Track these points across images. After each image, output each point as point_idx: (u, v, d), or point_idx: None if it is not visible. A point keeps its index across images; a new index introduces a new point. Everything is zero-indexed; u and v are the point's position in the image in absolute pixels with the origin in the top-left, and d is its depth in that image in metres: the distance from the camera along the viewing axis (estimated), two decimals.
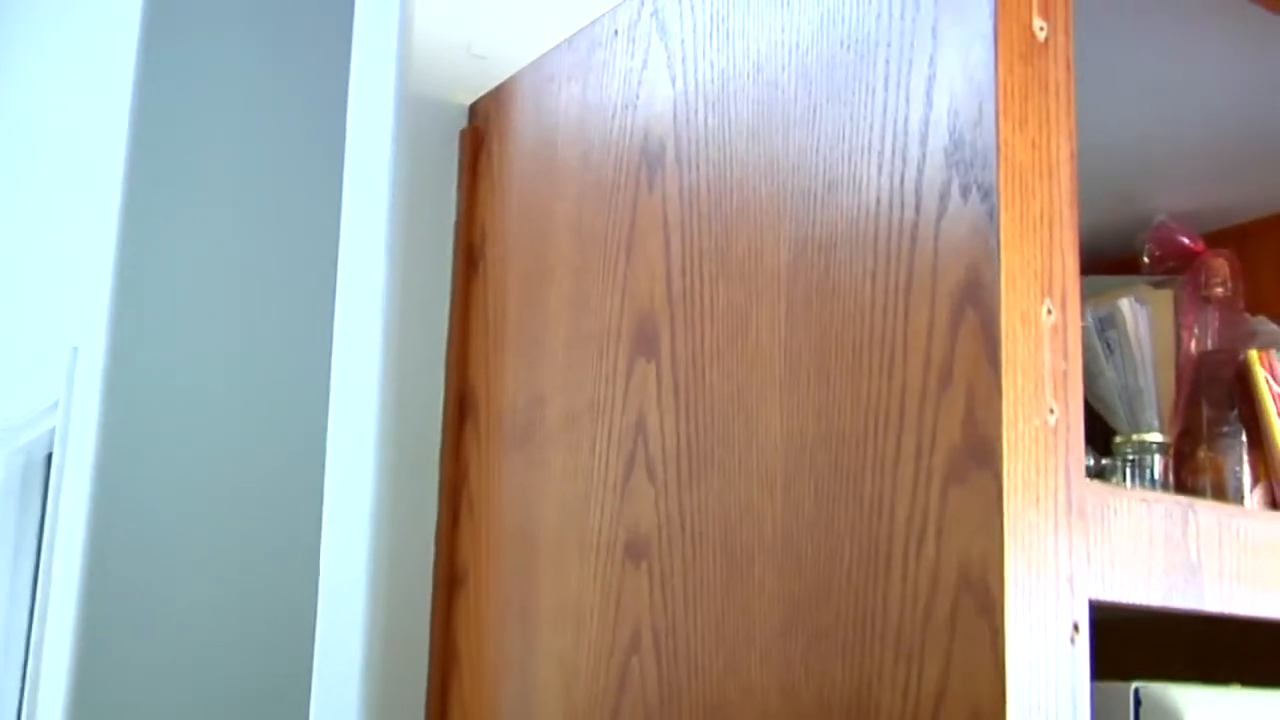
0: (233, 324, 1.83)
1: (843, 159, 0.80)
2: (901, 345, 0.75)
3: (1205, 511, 0.76)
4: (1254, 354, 1.12)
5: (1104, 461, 1.12)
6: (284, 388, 1.75)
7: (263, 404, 1.79)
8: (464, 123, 1.18)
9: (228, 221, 1.83)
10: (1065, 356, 0.72)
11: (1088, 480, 0.72)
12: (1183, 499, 0.76)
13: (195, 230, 1.83)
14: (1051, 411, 0.71)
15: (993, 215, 0.71)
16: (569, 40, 1.06)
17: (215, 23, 1.79)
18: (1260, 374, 1.12)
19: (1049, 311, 0.72)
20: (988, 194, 0.71)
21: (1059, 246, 0.73)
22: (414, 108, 1.17)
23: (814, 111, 0.83)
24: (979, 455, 0.69)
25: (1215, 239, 1.21)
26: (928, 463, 0.72)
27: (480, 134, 1.16)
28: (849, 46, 0.81)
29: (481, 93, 1.17)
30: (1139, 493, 0.79)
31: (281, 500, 1.74)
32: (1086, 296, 1.22)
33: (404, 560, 1.11)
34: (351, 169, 1.22)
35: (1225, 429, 1.14)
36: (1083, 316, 1.21)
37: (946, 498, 0.71)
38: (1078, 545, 0.71)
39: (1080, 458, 0.72)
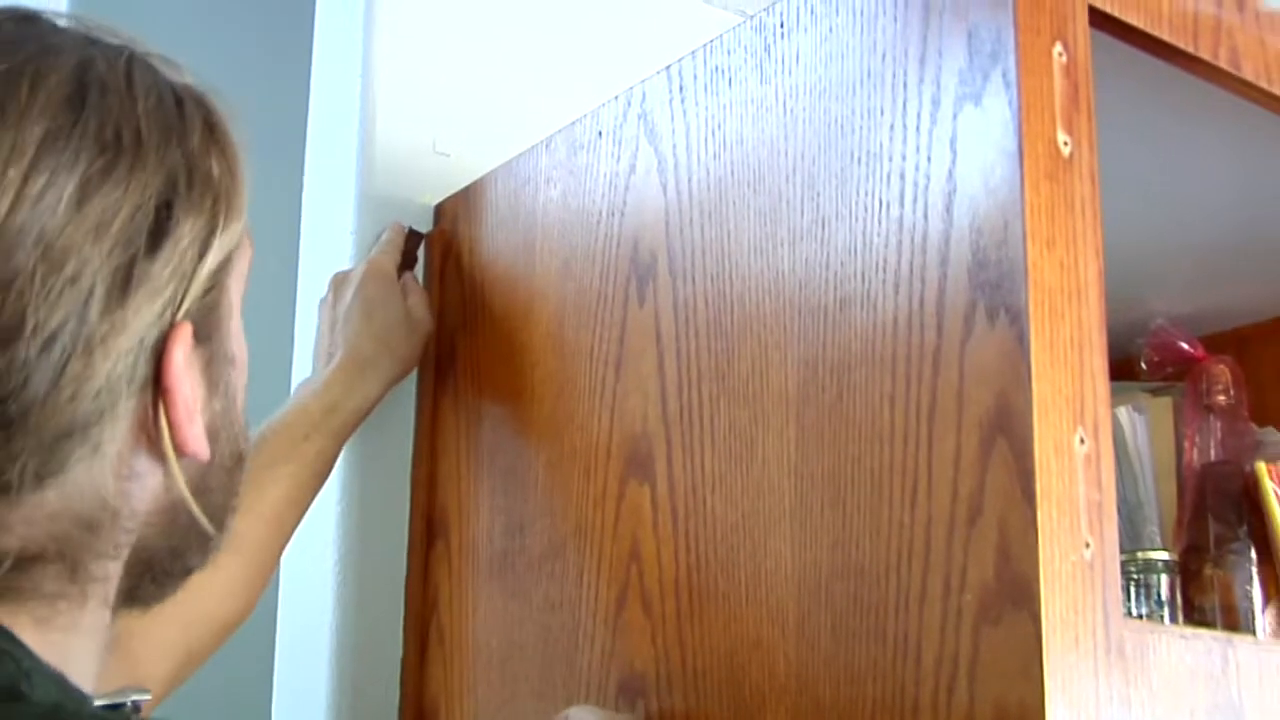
0: None
1: (855, 275, 0.81)
2: (926, 475, 0.74)
3: (1245, 648, 0.76)
4: (1262, 466, 1.13)
5: None
6: None
7: None
8: (429, 224, 1.17)
9: None
10: (1099, 488, 0.72)
11: (1126, 618, 0.72)
12: (1220, 635, 0.77)
13: None
14: (1088, 546, 0.71)
15: (1023, 339, 0.71)
16: (546, 142, 1.06)
17: None
18: (1270, 487, 1.13)
19: (1082, 440, 0.72)
20: (1017, 317, 0.72)
21: (1090, 372, 0.73)
22: (375, 207, 1.16)
23: (822, 225, 0.83)
24: (1014, 594, 0.69)
25: (1214, 342, 1.23)
26: (957, 602, 0.71)
27: (449, 238, 1.15)
28: (859, 159, 0.82)
29: (447, 193, 1.17)
30: (1177, 629, 0.79)
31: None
32: None
33: (368, 693, 1.08)
34: (306, 272, 1.20)
35: (1234, 545, 1.15)
36: None
37: (979, 639, 0.70)
38: (1118, 688, 0.70)
39: (1117, 594, 0.72)
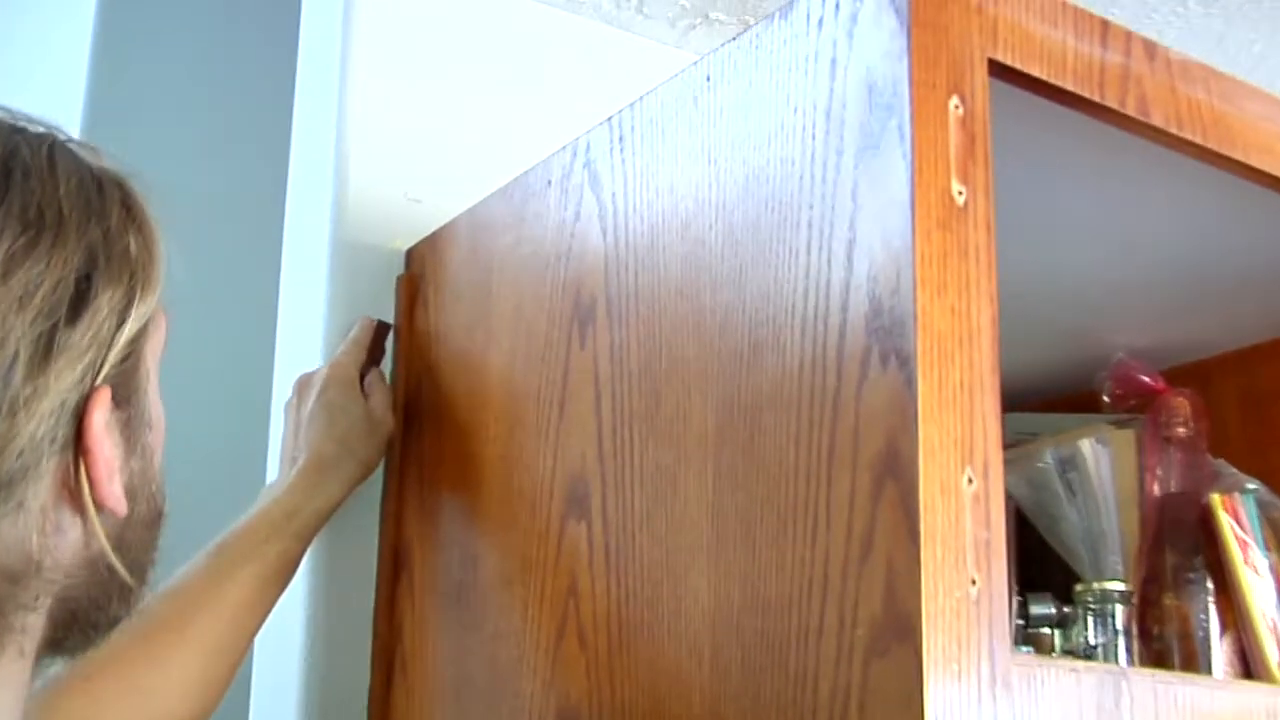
0: None
1: (768, 321, 0.85)
2: (825, 513, 0.78)
3: (1139, 680, 0.79)
4: (1217, 498, 1.16)
5: (1065, 610, 1.15)
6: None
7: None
8: (400, 268, 1.23)
9: None
10: (988, 525, 0.76)
11: (1015, 651, 0.75)
12: (1115, 667, 0.80)
13: None
14: (974, 583, 0.74)
15: (911, 384, 0.75)
16: (504, 189, 1.11)
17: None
18: (1224, 519, 1.16)
19: (970, 480, 0.76)
20: (905, 362, 0.76)
21: (980, 414, 0.77)
22: (349, 253, 1.22)
23: (740, 272, 0.87)
24: (899, 629, 0.73)
25: (1176, 375, 1.25)
26: (850, 636, 0.75)
27: (416, 282, 1.21)
28: (773, 208, 0.86)
29: (418, 238, 1.22)
30: (1067, 662, 0.82)
31: None
32: (1047, 435, 1.27)
33: None
34: (287, 314, 1.26)
35: (1191, 575, 1.17)
36: (1042, 458, 1.25)
37: (869, 672, 0.74)
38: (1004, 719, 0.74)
39: (1004, 628, 0.75)
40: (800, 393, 0.81)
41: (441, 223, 1.20)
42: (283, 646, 1.17)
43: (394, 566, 1.17)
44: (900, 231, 0.77)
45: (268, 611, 1.02)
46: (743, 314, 0.87)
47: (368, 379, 1.17)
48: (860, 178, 0.80)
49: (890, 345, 0.77)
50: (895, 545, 0.74)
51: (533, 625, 0.99)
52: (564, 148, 1.05)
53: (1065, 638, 1.11)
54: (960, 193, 0.79)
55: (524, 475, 1.03)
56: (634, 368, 0.94)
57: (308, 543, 1.06)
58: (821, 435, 0.80)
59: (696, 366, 0.89)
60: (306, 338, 1.22)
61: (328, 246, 1.21)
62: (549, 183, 1.06)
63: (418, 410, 1.17)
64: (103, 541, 0.66)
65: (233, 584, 0.98)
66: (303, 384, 1.16)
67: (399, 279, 1.22)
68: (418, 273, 1.21)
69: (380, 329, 1.20)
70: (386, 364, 1.20)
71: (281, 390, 1.24)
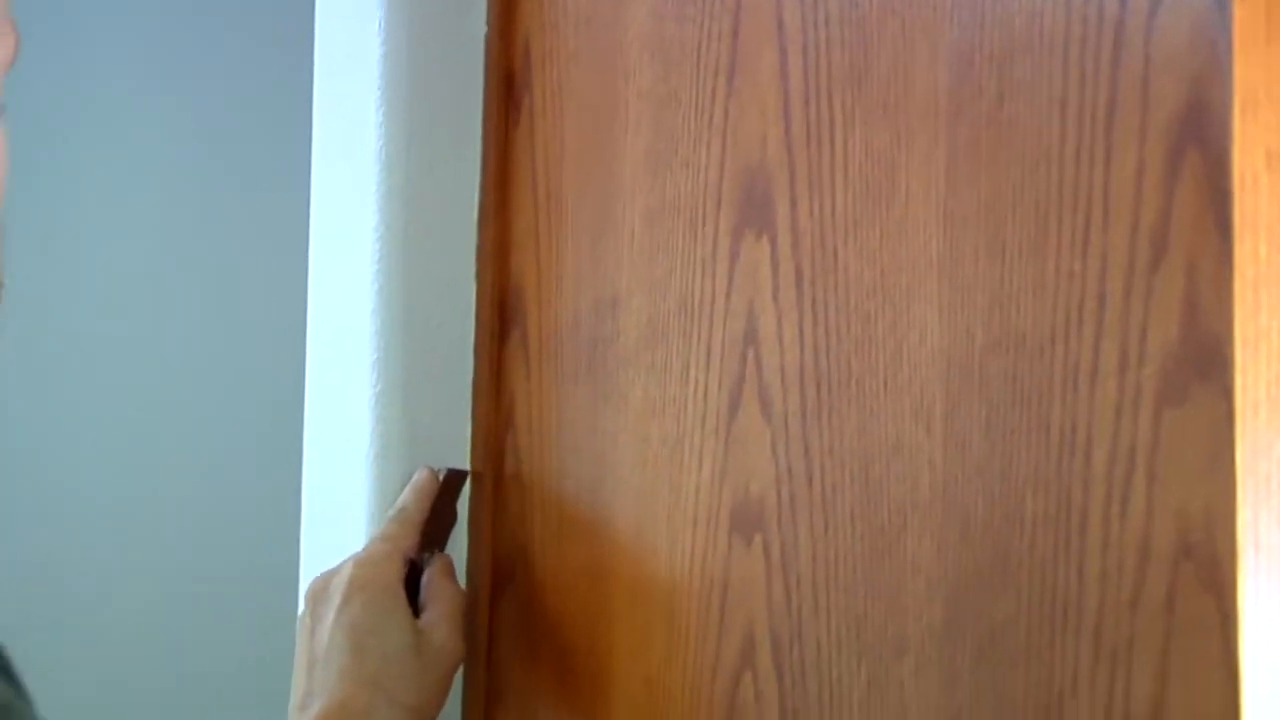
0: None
1: None
2: (1101, 203, 0.86)
3: None
4: None
5: None
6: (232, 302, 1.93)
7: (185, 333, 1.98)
8: None
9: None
10: None
11: None
12: None
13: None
14: None
15: (1223, 4, 0.81)
16: None
17: None
18: None
19: None
20: None
21: None
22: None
23: None
24: (1202, 362, 0.81)
25: None
26: (1134, 376, 0.84)
27: None
28: None
29: None
30: None
31: (233, 478, 1.92)
32: None
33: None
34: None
35: None
36: None
37: (1160, 425, 0.82)
38: None
39: None
40: (1068, 30, 0.88)
41: None
42: (344, 452, 1.29)
43: (500, 322, 1.28)
44: None
45: None
46: None
47: (426, 576, 1.23)
48: None
49: None
50: (1198, 242, 0.81)
51: (696, 391, 1.09)
52: None
53: None
54: None
55: (679, 178, 1.12)
56: (831, 9, 1.02)
57: None
58: (1098, 91, 0.87)
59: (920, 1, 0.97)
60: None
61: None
62: None
63: (527, 91, 1.27)
64: None
65: None
66: (318, 591, 1.22)
67: None
68: None
69: (451, 481, 1.27)
70: (478, 26, 1.29)
71: (329, 74, 1.34)
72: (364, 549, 1.23)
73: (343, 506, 1.30)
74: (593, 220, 1.20)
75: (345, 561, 1.22)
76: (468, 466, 1.28)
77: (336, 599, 1.19)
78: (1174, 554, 0.81)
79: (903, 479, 0.96)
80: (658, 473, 1.12)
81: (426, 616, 1.20)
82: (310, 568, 1.31)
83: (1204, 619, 0.80)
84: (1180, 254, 0.82)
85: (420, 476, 1.26)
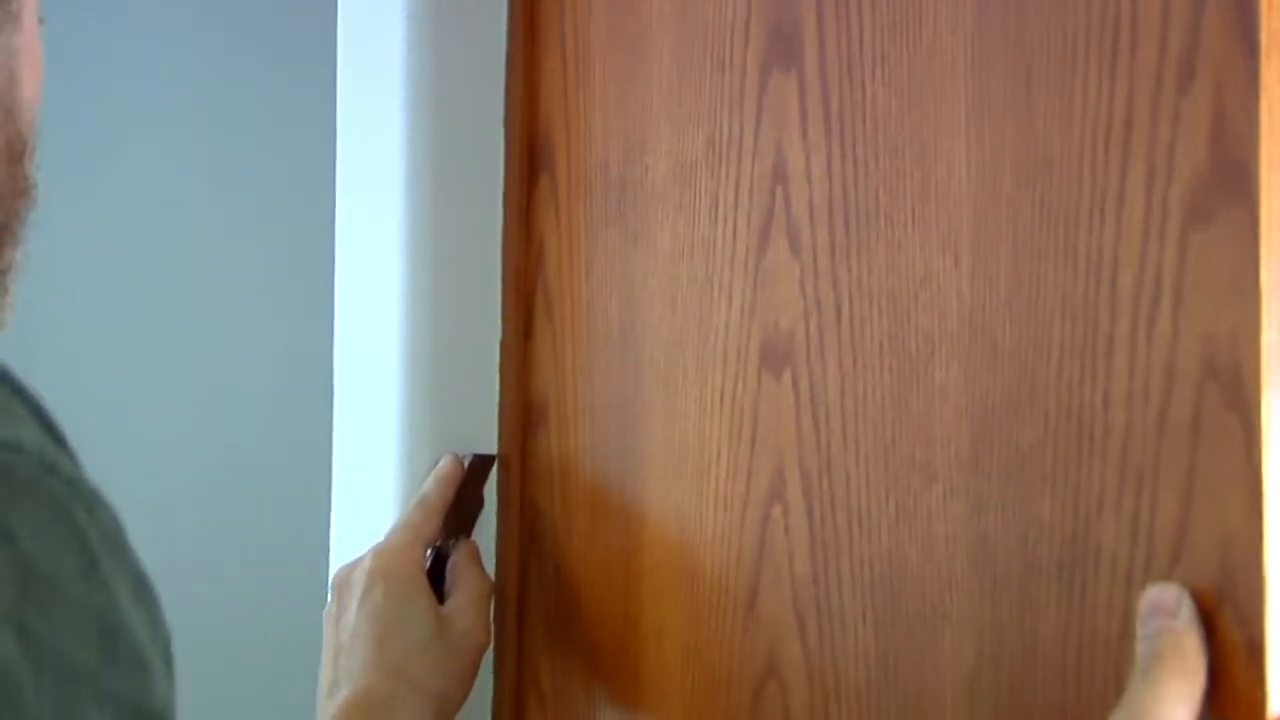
0: None
1: None
2: (1129, 28, 0.86)
3: None
4: None
5: None
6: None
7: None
8: None
9: None
10: None
11: None
12: None
13: None
14: None
15: None
16: None
17: None
18: None
19: None
20: None
21: None
22: None
23: None
24: (1229, 183, 0.81)
25: None
26: (1162, 197, 0.84)
27: None
28: None
29: None
30: None
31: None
32: None
33: (459, 392, 1.28)
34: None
35: None
36: None
37: (1186, 248, 0.83)
38: None
39: None
40: None
41: None
42: (377, 292, 1.31)
43: (530, 166, 1.28)
44: None
45: None
46: None
47: (452, 561, 1.24)
48: None
49: None
50: (1226, 64, 0.82)
51: (725, 229, 1.10)
52: None
53: None
54: None
55: (707, 14, 1.12)
56: None
57: None
58: None
59: None
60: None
61: None
62: None
63: None
64: None
65: None
66: (341, 581, 1.24)
67: None
68: None
69: (476, 466, 1.27)
70: None
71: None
72: (385, 538, 1.24)
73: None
74: (621, 64, 1.21)
75: (367, 552, 1.23)
76: (494, 450, 1.30)
77: (358, 589, 1.21)
78: (1200, 375, 0.82)
79: (930, 309, 0.97)
80: (687, 312, 1.13)
81: (451, 603, 1.22)
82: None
83: (1229, 438, 0.81)
84: (1208, 76, 0.83)
85: (444, 464, 1.27)
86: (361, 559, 1.23)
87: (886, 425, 0.99)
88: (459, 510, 1.26)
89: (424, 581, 1.21)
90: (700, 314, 1.12)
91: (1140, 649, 0.82)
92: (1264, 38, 0.80)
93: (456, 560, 1.25)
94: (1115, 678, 0.86)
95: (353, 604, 1.20)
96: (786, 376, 1.05)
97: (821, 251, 1.04)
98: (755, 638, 1.07)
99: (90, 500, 0.68)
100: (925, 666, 0.96)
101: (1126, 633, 0.85)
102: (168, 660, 0.69)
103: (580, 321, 1.23)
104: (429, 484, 1.26)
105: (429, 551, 1.24)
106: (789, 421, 1.05)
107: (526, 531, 1.28)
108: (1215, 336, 0.82)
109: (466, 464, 1.27)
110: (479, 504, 1.28)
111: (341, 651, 1.19)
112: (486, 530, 1.29)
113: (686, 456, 1.13)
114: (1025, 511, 0.91)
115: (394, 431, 1.30)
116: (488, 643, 1.22)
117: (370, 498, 1.33)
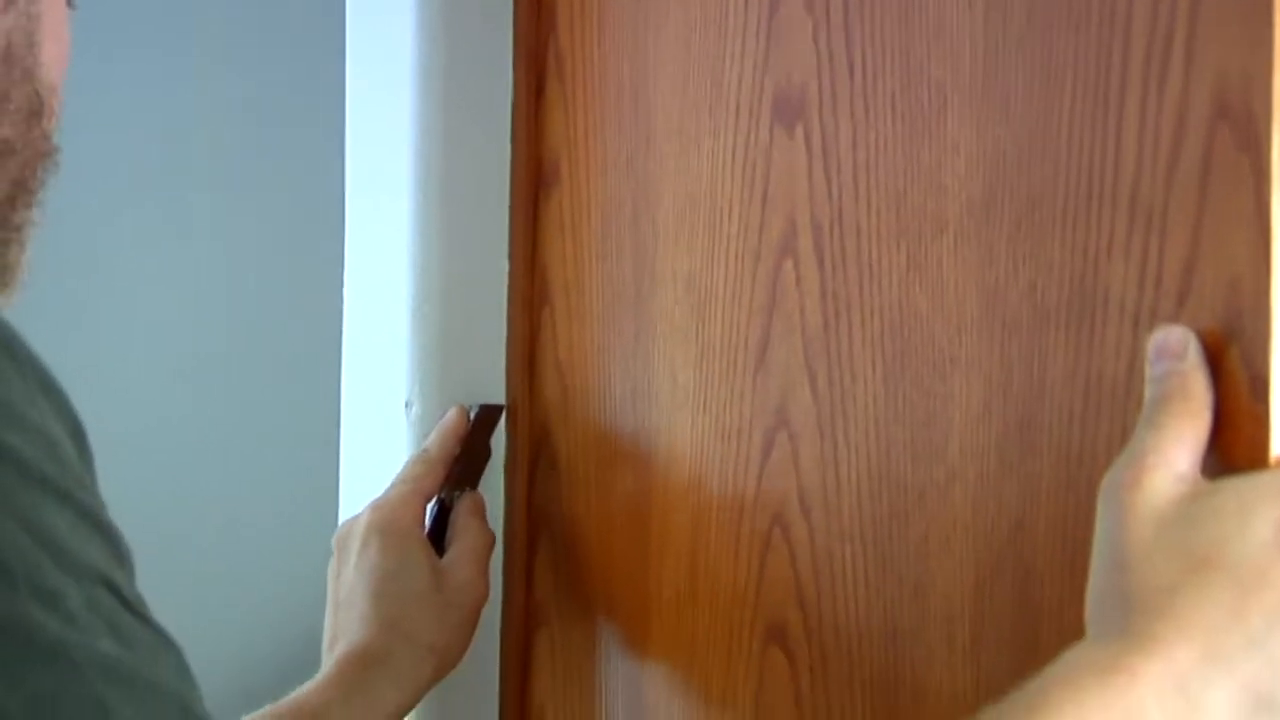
0: None
1: None
2: None
3: None
4: None
5: None
6: None
7: None
8: None
9: None
10: None
11: None
12: None
13: None
14: None
15: None
16: None
17: None
18: None
19: None
20: None
21: None
22: None
23: None
24: None
25: None
26: None
27: None
28: None
29: None
30: None
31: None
32: None
33: (468, 162, 1.29)
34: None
35: None
36: None
37: None
38: None
39: None
40: None
41: None
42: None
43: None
44: None
45: None
46: None
47: (453, 514, 1.25)
48: None
49: None
50: None
51: None
52: None
53: None
54: None
55: None
56: None
57: None
58: None
59: None
60: None
61: None
62: None
63: None
64: None
65: None
66: (342, 537, 1.25)
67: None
68: None
69: (483, 417, 1.27)
70: None
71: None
72: (384, 493, 1.25)
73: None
74: None
75: (366, 506, 1.25)
76: (502, 401, 1.30)
77: (355, 544, 1.22)
78: (1211, 116, 0.83)
79: (944, 60, 0.97)
80: (700, 66, 1.14)
81: (449, 555, 1.23)
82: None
83: (1238, 177, 0.81)
84: None
85: (449, 416, 1.28)
86: (360, 514, 1.25)
87: (898, 177, 1.00)
88: (465, 462, 1.27)
89: (421, 534, 1.23)
90: (710, 75, 1.13)
91: (1147, 391, 0.84)
92: None
93: (459, 512, 1.26)
94: (1122, 419, 0.88)
95: (350, 559, 1.22)
96: (799, 130, 1.06)
97: (835, 4, 1.04)
98: (766, 389, 1.09)
99: None
100: (935, 411, 0.98)
101: (1134, 375, 0.87)
102: (76, 436, 0.72)
103: (593, 87, 1.24)
104: (432, 436, 1.28)
105: (433, 504, 1.26)
106: (801, 175, 1.06)
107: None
108: (1228, 76, 0.82)
109: (473, 415, 1.28)
110: (485, 455, 1.29)
111: (340, 606, 1.21)
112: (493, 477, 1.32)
113: (697, 218, 1.15)
114: (1035, 257, 0.92)
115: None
116: (486, 595, 1.24)
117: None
